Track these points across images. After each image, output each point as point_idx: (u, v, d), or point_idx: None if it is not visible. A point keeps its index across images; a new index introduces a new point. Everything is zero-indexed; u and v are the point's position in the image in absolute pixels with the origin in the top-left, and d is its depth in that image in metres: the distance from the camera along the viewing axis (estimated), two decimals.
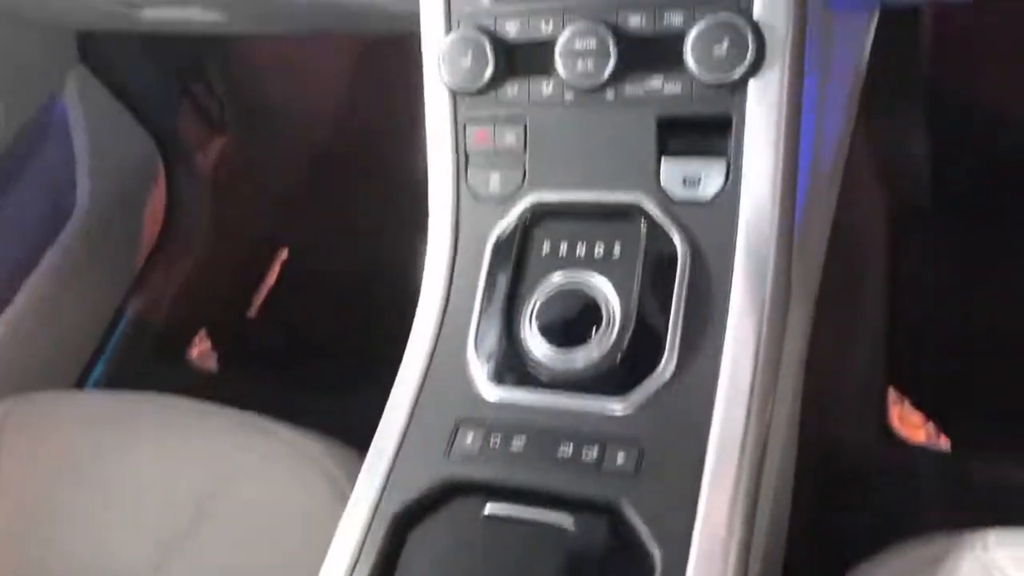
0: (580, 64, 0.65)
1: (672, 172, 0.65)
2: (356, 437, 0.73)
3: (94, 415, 0.93)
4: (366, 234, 1.47)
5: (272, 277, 1.57)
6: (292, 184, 1.59)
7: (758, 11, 0.62)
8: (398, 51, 0.81)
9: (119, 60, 1.35)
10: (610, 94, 0.66)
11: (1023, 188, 1.18)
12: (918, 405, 1.13)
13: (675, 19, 0.63)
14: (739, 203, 0.63)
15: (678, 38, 0.62)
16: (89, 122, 1.32)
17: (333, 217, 1.54)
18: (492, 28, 0.69)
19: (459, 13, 0.70)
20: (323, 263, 1.55)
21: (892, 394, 1.14)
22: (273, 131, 1.60)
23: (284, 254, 1.60)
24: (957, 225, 1.20)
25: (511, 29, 0.68)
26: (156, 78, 1.47)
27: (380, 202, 1.34)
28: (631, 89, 0.65)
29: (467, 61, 0.68)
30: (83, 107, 1.31)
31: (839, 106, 0.86)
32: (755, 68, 0.61)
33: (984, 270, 1.18)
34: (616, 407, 0.61)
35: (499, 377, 0.64)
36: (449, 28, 0.70)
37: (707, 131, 0.64)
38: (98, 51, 1.29)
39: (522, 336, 0.65)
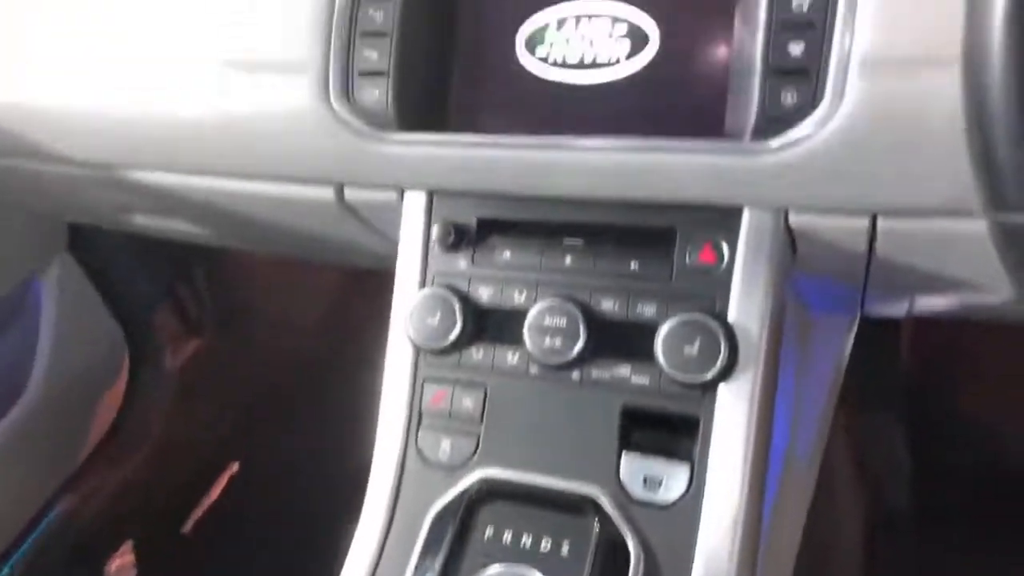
0: (548, 340, 0.63)
1: (633, 468, 0.61)
2: None
3: None
4: (318, 465, 1.40)
5: (216, 493, 1.48)
6: (257, 397, 1.54)
7: (733, 313, 0.60)
8: (385, 281, 0.80)
9: (107, 251, 1.35)
10: (576, 375, 0.64)
11: (1006, 501, 1.14)
12: None
13: (647, 310, 0.62)
14: (700, 513, 0.58)
15: (650, 329, 0.61)
16: (61, 310, 1.30)
17: (291, 439, 1.48)
18: (465, 290, 0.67)
19: (435, 270, 0.69)
20: (271, 486, 1.47)
21: None
22: (248, 340, 1.58)
23: (235, 468, 1.52)
24: (936, 537, 1.14)
25: (484, 294, 0.67)
26: (141, 273, 1.46)
27: (338, 434, 1.29)
28: (598, 373, 0.63)
29: (435, 320, 0.66)
30: (59, 293, 1.29)
31: (816, 404, 0.84)
32: (726, 373, 0.59)
33: None
34: None
35: None
36: (423, 283, 0.69)
37: (673, 429, 0.61)
38: (87, 240, 1.30)
39: None
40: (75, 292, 1.33)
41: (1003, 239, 0.39)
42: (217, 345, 1.55)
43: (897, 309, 0.77)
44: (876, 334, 0.87)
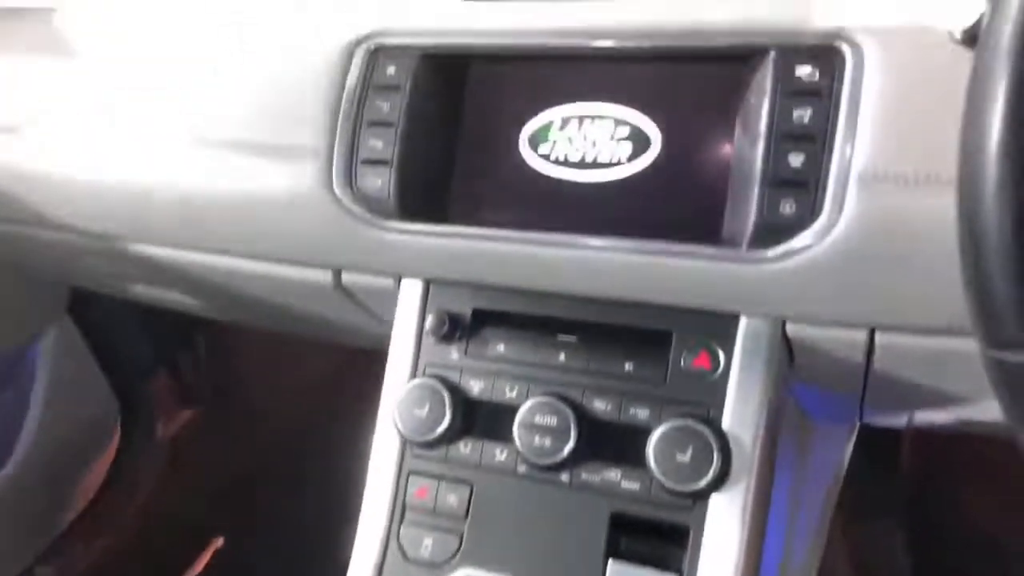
0: (538, 439, 0.61)
1: None
2: None
3: None
4: (306, 543, 1.37)
5: (199, 567, 1.45)
6: (248, 470, 1.52)
7: (727, 421, 0.59)
8: (383, 358, 0.79)
9: (107, 317, 1.35)
10: (565, 476, 0.62)
11: None
12: None
13: (640, 413, 0.61)
14: None
15: (642, 433, 0.59)
16: (56, 374, 1.29)
17: (279, 516, 1.44)
18: (456, 382, 0.66)
19: (427, 359, 0.68)
20: (256, 562, 1.43)
21: None
22: (243, 412, 1.56)
23: (220, 542, 1.48)
24: None
25: (475, 387, 0.66)
26: (141, 340, 1.45)
27: (328, 513, 1.26)
28: (587, 476, 0.61)
29: (423, 411, 0.65)
30: (54, 359, 1.28)
31: (814, 512, 0.82)
32: (719, 482, 0.57)
33: None
34: None
35: None
36: (414, 373, 0.68)
37: (663, 538, 0.59)
38: (88, 304, 1.29)
39: None
40: (71, 357, 1.32)
41: (997, 376, 0.38)
42: (211, 416, 1.53)
43: (896, 420, 0.75)
44: (876, 440, 0.86)
